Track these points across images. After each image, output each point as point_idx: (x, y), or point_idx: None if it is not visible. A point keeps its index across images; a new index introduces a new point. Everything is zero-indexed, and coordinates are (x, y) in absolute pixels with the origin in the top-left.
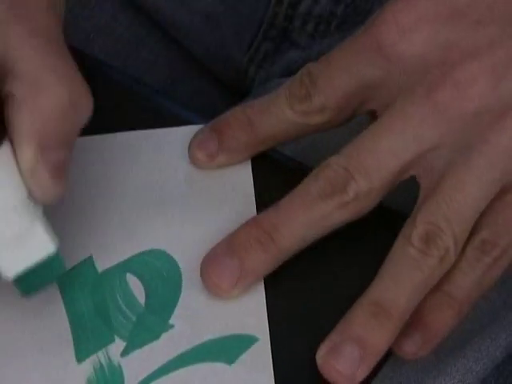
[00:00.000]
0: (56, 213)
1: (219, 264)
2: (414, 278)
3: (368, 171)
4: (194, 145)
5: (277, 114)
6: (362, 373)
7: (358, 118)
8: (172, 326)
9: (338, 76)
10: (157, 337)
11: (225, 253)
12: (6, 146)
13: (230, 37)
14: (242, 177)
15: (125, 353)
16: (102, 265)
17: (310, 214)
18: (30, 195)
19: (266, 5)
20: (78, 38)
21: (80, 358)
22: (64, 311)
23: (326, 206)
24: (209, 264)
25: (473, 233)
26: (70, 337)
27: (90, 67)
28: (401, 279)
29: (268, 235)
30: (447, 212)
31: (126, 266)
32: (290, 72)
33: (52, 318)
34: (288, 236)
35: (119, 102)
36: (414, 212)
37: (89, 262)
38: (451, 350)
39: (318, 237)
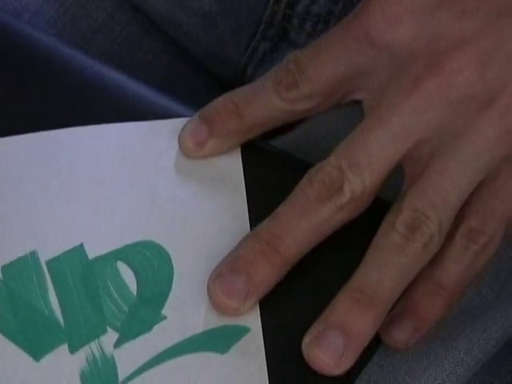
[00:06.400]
0: (48, 200)
1: (227, 283)
2: (398, 263)
3: (360, 168)
4: (183, 134)
5: (264, 101)
6: (347, 360)
7: (348, 108)
8: (164, 318)
9: (326, 63)
10: (149, 328)
11: (231, 271)
12: None
13: (228, 36)
14: (233, 167)
15: (117, 344)
16: (92, 253)
17: (311, 221)
18: None
19: (264, 4)
20: (75, 37)
21: (73, 348)
22: (56, 298)
23: (326, 209)
24: (216, 284)
25: (460, 221)
26: (62, 325)
27: (86, 66)
28: (384, 265)
29: (272, 247)
30: (433, 198)
31: (117, 254)
32: None
33: (44, 306)
34: (292, 245)
35: (115, 99)
36: (399, 198)
37: (79, 249)
38: (442, 341)
39: (321, 240)
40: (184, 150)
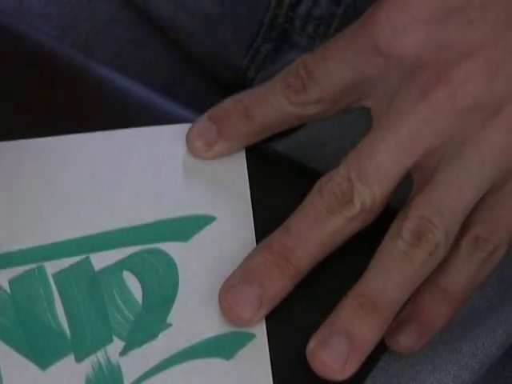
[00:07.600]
0: (54, 213)
1: (240, 293)
2: (403, 270)
3: (368, 178)
4: (192, 134)
5: (273, 104)
6: (352, 366)
7: (352, 114)
8: (170, 325)
9: (333, 69)
10: (155, 336)
11: (243, 282)
12: None
13: (230, 38)
14: (237, 171)
15: (123, 352)
16: (98, 264)
17: (322, 232)
18: None
19: (265, 6)
20: (78, 38)
21: (79, 357)
22: (62, 311)
23: (337, 220)
24: (228, 294)
25: (466, 228)
26: (68, 336)
27: (89, 69)
28: (389, 272)
29: (285, 259)
30: (440, 206)
31: (123, 264)
32: None
33: (51, 319)
34: (304, 257)
35: (117, 102)
36: (406, 205)
37: (85, 261)
38: (447, 345)
39: (332, 250)
40: (192, 150)
